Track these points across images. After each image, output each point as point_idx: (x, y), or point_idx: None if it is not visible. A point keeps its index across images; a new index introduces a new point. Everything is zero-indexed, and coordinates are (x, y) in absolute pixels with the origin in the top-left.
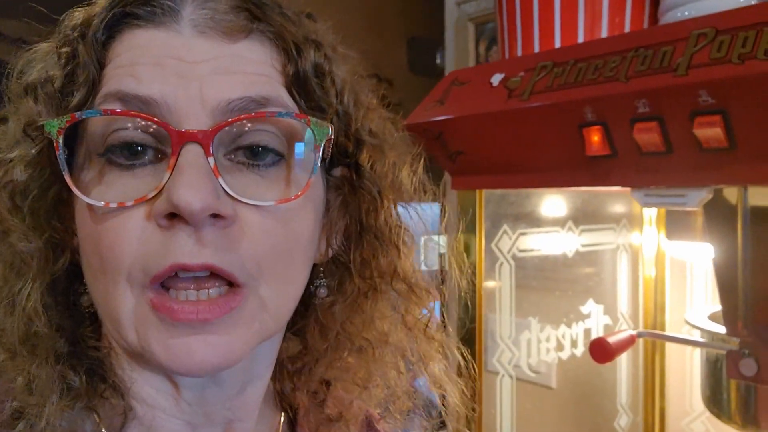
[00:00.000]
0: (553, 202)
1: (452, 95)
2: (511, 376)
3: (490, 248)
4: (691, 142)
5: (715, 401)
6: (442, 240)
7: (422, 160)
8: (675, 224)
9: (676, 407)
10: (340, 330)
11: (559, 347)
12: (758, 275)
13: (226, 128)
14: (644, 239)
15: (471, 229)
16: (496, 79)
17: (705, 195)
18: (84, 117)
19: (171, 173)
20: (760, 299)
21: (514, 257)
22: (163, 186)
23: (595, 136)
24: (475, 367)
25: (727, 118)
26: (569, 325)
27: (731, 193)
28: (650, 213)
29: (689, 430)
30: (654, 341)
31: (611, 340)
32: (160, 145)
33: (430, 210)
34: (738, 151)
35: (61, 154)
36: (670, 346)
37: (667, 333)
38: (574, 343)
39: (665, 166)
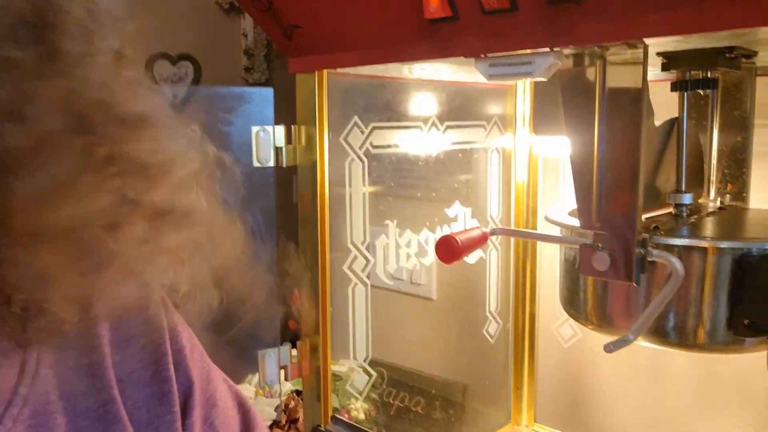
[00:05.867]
0: (414, 94)
1: None
2: (365, 284)
3: (337, 142)
4: None
5: (571, 302)
6: (279, 131)
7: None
8: (541, 118)
9: (545, 312)
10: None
11: (422, 253)
12: (612, 165)
13: None
14: (517, 141)
15: (312, 120)
16: None
17: (553, 61)
18: None
19: None
20: (614, 190)
21: (367, 154)
22: None
23: None
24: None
25: None
26: (433, 230)
27: (590, 74)
28: (523, 112)
29: (558, 334)
30: (526, 248)
31: (460, 237)
32: None
33: (260, 96)
34: (582, 5)
35: None
36: (542, 253)
37: (521, 229)
38: None
39: (510, 27)
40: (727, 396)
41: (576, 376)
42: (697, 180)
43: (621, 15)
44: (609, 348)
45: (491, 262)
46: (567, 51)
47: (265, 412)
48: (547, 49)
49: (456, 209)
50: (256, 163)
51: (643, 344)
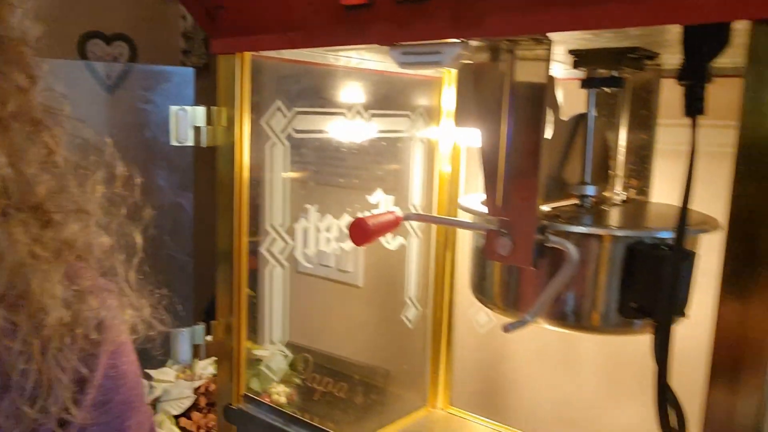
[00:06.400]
0: (339, 82)
1: None
2: (283, 266)
3: (259, 125)
4: None
5: (480, 288)
6: (199, 112)
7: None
8: (461, 109)
9: (463, 300)
10: None
11: (343, 238)
12: (516, 156)
13: None
14: (441, 132)
15: (232, 102)
16: None
17: (460, 51)
18: None
19: None
20: (517, 179)
21: (289, 138)
22: None
23: None
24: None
25: None
26: (354, 216)
27: (501, 68)
28: (449, 105)
29: (474, 320)
30: (446, 237)
31: (372, 221)
32: None
33: (180, 75)
34: None
35: None
36: (461, 243)
37: (433, 215)
38: None
39: (421, 17)
40: (627, 379)
41: (490, 362)
42: (604, 174)
43: (526, 9)
44: (507, 328)
45: (412, 249)
46: (475, 43)
47: (184, 394)
48: (455, 40)
49: (378, 196)
50: (174, 142)
51: (546, 327)
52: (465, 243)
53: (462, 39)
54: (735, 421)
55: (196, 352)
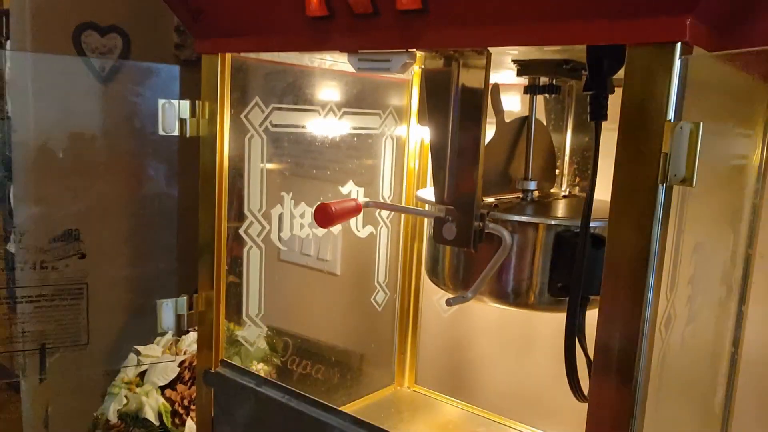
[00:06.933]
0: (314, 81)
1: None
2: (260, 248)
3: (238, 119)
4: (392, 4)
5: (433, 270)
6: (183, 105)
7: None
8: (423, 110)
9: (429, 285)
10: None
11: (315, 224)
12: (460, 152)
13: None
14: (409, 131)
15: (215, 97)
16: None
17: (406, 60)
18: None
19: None
20: (460, 172)
21: (266, 131)
22: None
23: None
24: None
25: None
26: None
27: (449, 73)
28: (417, 104)
29: (438, 304)
30: (414, 228)
31: (336, 206)
32: None
33: (167, 71)
34: (430, 15)
35: None
36: (428, 233)
37: (390, 203)
38: None
39: (374, 29)
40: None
41: (454, 344)
42: (551, 173)
43: (462, 25)
44: (449, 302)
45: (381, 237)
46: (423, 52)
47: (169, 367)
48: (402, 50)
49: (349, 187)
50: (161, 132)
51: (491, 305)
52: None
53: (408, 49)
54: None
55: (179, 323)
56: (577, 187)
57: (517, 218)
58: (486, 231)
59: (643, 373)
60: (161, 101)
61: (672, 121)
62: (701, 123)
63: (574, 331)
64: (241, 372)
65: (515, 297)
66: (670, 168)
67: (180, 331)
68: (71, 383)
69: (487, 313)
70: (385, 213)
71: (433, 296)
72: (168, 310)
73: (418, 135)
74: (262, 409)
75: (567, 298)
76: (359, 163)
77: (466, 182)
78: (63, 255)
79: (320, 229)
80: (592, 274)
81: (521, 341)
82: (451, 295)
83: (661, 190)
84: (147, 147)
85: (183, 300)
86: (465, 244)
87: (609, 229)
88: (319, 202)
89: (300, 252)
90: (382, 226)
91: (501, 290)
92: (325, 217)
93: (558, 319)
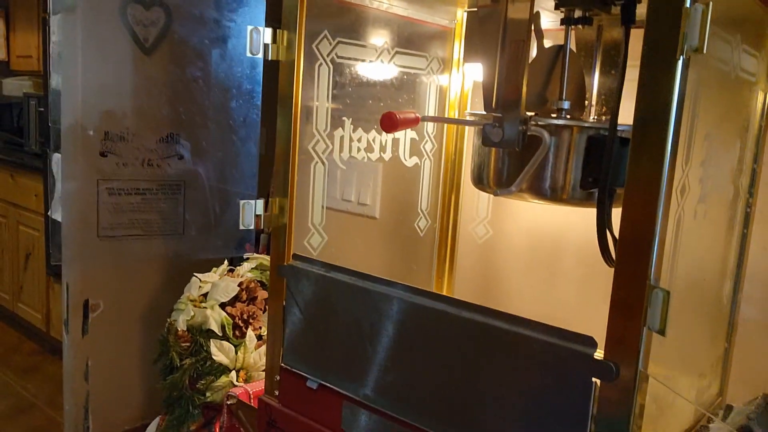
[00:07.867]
0: (372, 21)
1: None
2: (324, 164)
3: (310, 48)
4: None
5: (479, 178)
6: (267, 32)
7: None
8: (469, 47)
9: (465, 215)
10: None
11: (369, 149)
12: (508, 62)
13: None
14: (451, 80)
15: (294, 28)
16: None
17: None
18: None
19: None
20: (507, 84)
21: (332, 61)
22: None
23: None
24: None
25: None
26: (380, 132)
27: (499, 9)
28: (459, 55)
29: (474, 232)
30: (454, 162)
31: (400, 115)
32: None
33: (255, 2)
34: None
35: None
36: (466, 168)
37: (444, 117)
38: (383, 148)
39: None
40: (601, 286)
41: (487, 267)
42: (581, 102)
43: None
44: (496, 193)
45: (425, 169)
46: None
47: (230, 287)
48: None
49: None
50: (248, 54)
51: (530, 201)
52: (470, 167)
53: None
54: None
55: (257, 222)
56: (603, 117)
57: (555, 122)
58: (528, 133)
59: (660, 232)
60: (249, 28)
61: (689, 6)
62: (710, 2)
63: (603, 212)
64: (311, 262)
65: (552, 192)
66: (687, 42)
67: (258, 231)
68: (110, 339)
69: (515, 243)
70: (429, 146)
71: (469, 225)
72: (249, 210)
73: (459, 78)
74: (330, 291)
75: (596, 191)
76: (407, 98)
77: (512, 92)
78: (166, 155)
79: (373, 154)
80: (617, 170)
81: (548, 265)
82: (494, 228)
83: (681, 62)
84: (238, 66)
85: (260, 202)
86: (511, 145)
87: (636, 98)
88: (378, 133)
89: (341, 198)
90: (426, 159)
91: (540, 187)
92: (390, 122)
93: (582, 246)
